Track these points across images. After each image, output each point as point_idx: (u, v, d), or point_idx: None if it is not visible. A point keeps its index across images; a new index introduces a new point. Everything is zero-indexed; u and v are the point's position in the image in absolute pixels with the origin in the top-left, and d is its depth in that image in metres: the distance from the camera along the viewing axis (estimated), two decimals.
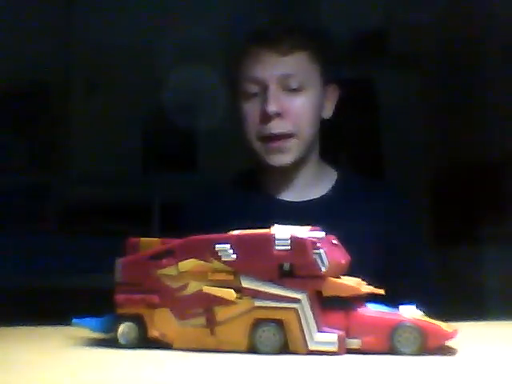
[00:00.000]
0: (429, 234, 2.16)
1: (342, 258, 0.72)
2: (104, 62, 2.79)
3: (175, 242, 0.73)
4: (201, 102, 2.76)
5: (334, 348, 0.68)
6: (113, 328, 0.74)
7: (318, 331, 0.68)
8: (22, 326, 0.89)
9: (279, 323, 0.69)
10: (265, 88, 1.20)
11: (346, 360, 0.66)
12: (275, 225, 0.71)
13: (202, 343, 0.71)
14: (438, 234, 2.24)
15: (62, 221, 2.75)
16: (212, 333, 0.71)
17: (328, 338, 0.68)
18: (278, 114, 1.20)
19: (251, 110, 1.22)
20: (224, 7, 2.75)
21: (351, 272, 0.73)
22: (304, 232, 0.70)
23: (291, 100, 1.21)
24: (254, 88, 1.22)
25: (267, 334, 0.69)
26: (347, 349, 0.68)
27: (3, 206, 2.56)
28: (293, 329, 0.69)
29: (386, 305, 0.70)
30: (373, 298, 0.71)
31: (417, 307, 0.70)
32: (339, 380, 0.60)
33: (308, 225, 0.72)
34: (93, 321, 0.77)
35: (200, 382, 0.60)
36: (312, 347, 0.68)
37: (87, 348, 0.75)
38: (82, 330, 0.78)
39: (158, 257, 0.73)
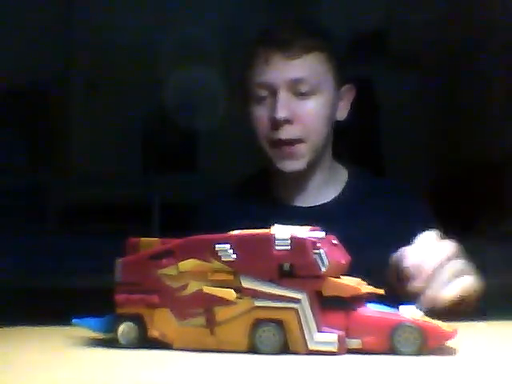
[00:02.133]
0: None
1: (342, 258, 0.72)
2: (104, 62, 2.79)
3: (175, 241, 0.73)
4: (201, 102, 2.76)
5: (334, 348, 0.67)
6: (113, 328, 0.73)
7: (318, 331, 0.68)
8: (22, 325, 0.89)
9: (279, 323, 0.69)
10: (274, 92, 1.17)
11: (346, 360, 0.66)
12: (275, 225, 0.71)
13: (202, 343, 0.71)
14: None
15: (62, 221, 2.75)
16: (212, 333, 0.71)
17: (328, 337, 0.68)
18: (287, 120, 1.17)
19: (261, 114, 1.19)
20: (225, 7, 2.75)
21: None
22: (304, 232, 0.70)
23: (301, 105, 1.18)
24: (263, 92, 1.19)
25: (267, 334, 0.69)
26: (347, 349, 0.68)
27: (3, 206, 2.56)
28: (293, 329, 0.69)
29: (386, 305, 0.70)
30: (373, 298, 0.71)
31: (417, 307, 0.70)
32: (339, 380, 0.60)
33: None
34: (93, 321, 0.77)
35: (200, 382, 0.60)
36: (312, 347, 0.68)
37: (87, 348, 0.75)
38: (82, 329, 0.77)
39: (158, 257, 0.73)
